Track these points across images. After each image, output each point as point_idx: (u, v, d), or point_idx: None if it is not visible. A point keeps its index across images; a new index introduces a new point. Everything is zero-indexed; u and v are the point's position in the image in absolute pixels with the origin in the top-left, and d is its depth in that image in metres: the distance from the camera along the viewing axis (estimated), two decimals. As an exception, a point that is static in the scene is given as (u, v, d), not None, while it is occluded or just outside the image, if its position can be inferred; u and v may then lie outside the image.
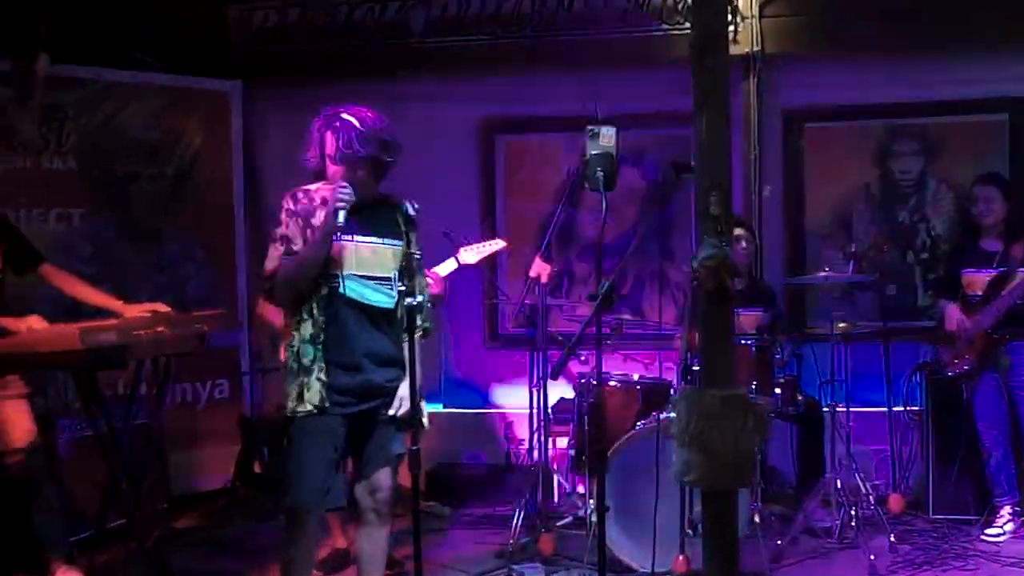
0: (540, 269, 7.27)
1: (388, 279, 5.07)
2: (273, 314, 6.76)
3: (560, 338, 7.74)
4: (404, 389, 5.07)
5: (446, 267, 7.08)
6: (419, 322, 5.01)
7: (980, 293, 7.37)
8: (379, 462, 5.15)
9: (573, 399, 7.51)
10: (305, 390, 4.91)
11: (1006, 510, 7.34)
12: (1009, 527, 7.28)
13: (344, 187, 4.84)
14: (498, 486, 8.55)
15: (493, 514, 8.13)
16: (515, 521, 7.16)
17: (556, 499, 8.08)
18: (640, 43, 8.58)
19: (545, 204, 9.10)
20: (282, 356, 5.10)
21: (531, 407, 7.68)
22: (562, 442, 7.85)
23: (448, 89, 9.16)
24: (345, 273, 4.96)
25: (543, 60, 8.75)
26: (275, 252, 4.96)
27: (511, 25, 8.76)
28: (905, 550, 6.98)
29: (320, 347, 4.93)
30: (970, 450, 7.44)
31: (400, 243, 5.09)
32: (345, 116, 4.94)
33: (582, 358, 7.25)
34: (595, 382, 5.42)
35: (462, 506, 8.39)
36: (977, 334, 7.30)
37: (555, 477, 7.96)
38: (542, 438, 7.37)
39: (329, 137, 4.95)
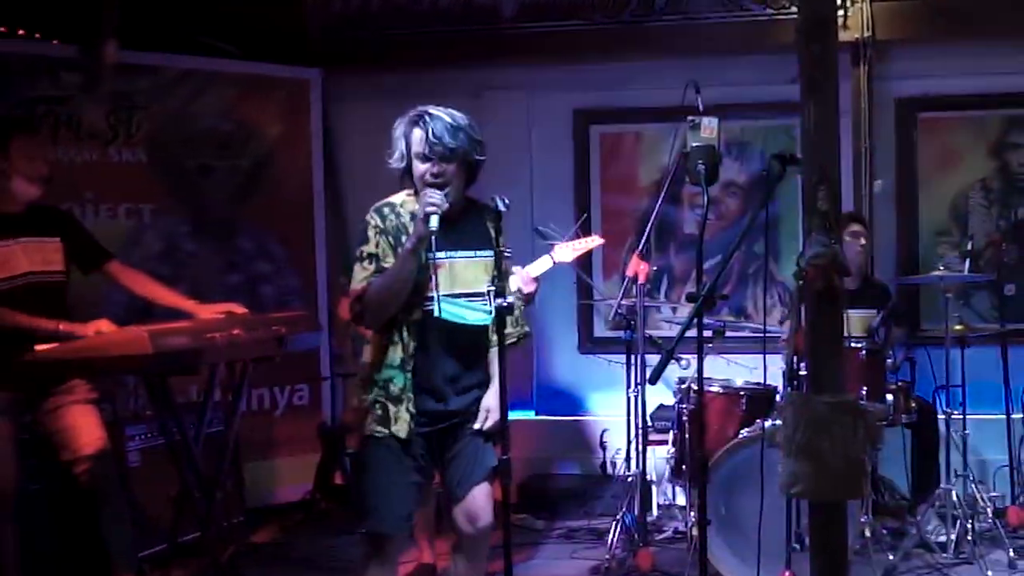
0: (638, 268, 7.15)
1: (483, 295, 4.91)
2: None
3: (659, 341, 7.68)
4: (490, 398, 4.95)
5: (540, 266, 6.90)
6: (511, 327, 4.91)
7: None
8: (473, 480, 4.99)
9: (672, 406, 7.41)
10: (393, 420, 4.78)
11: None
12: None
13: (434, 192, 4.69)
14: (594, 498, 8.42)
15: (588, 527, 8.05)
16: (612, 535, 7.08)
17: (655, 511, 8.03)
18: (744, 28, 8.51)
19: (643, 199, 9.06)
20: (366, 356, 4.97)
21: (628, 414, 7.55)
22: (661, 451, 7.71)
23: (541, 77, 9.13)
24: (441, 294, 4.78)
25: (641, 46, 8.68)
26: (363, 272, 4.80)
27: (608, 9, 8.68)
28: (1025, 566, 6.85)
29: (409, 374, 4.80)
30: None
31: (492, 253, 4.93)
32: (433, 110, 4.81)
33: (682, 362, 7.12)
34: (696, 388, 5.34)
35: (556, 519, 8.33)
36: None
37: (654, 488, 7.89)
38: (640, 447, 7.26)
39: (416, 133, 4.80)
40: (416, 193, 4.79)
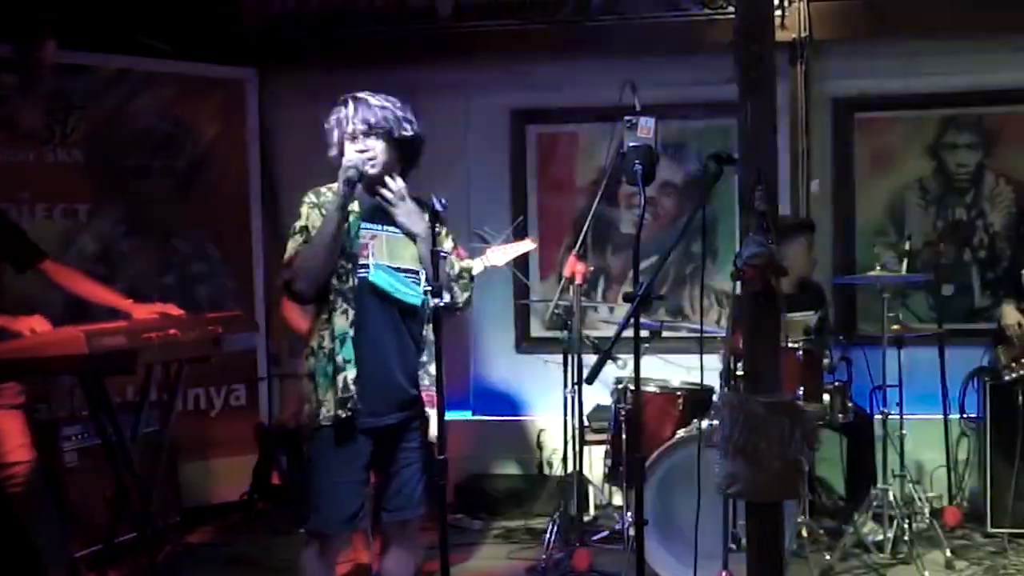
0: (574, 268, 7.21)
1: (416, 273, 4.99)
2: (297, 319, 6.74)
3: (596, 341, 7.76)
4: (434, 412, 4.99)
5: (473, 269, 6.99)
6: (457, 295, 5.03)
7: (1045, 295, 7.31)
8: (409, 498, 5.05)
9: (609, 406, 7.42)
10: (335, 394, 4.78)
11: (1071, 524, 7.27)
12: (1074, 541, 7.22)
13: (355, 153, 4.84)
14: (530, 498, 8.52)
15: (525, 528, 8.13)
16: (548, 535, 7.14)
17: (592, 512, 8.08)
18: (681, 28, 8.53)
19: (580, 199, 9.10)
20: (305, 361, 4.99)
21: (565, 414, 7.62)
22: (598, 451, 7.77)
23: (477, 77, 9.15)
24: (374, 262, 4.88)
25: (578, 46, 8.71)
26: (294, 243, 4.86)
27: (544, 8, 8.71)
28: (962, 566, 6.93)
29: (352, 345, 4.82)
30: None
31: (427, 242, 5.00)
32: (358, 94, 4.92)
33: (619, 362, 7.20)
34: (633, 388, 5.39)
35: (492, 519, 8.38)
36: (1037, 338, 7.24)
37: (591, 488, 7.93)
38: (576, 447, 7.30)
39: (342, 113, 4.91)
40: None
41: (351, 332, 4.82)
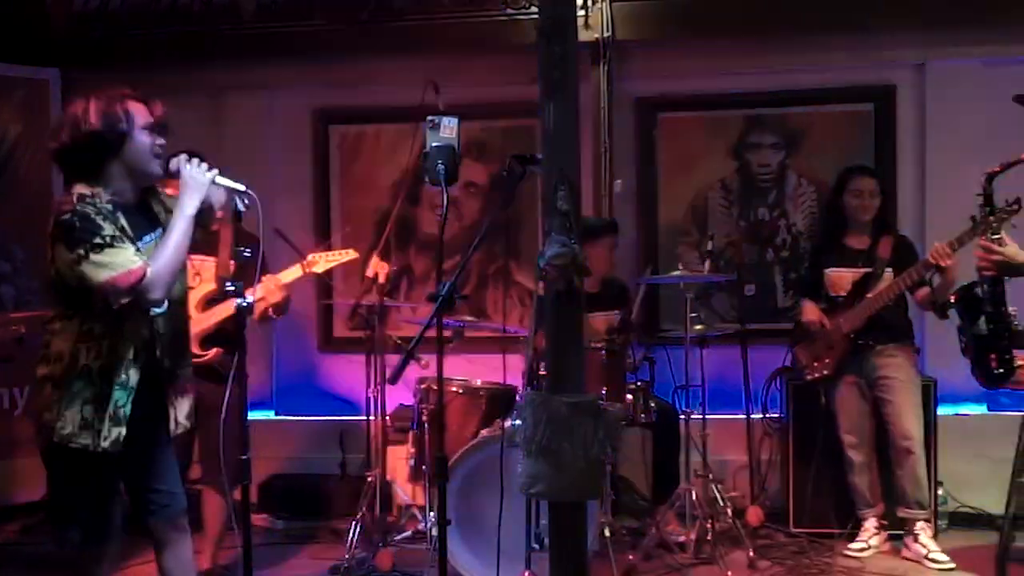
0: (377, 268, 7.27)
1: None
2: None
3: (399, 341, 7.81)
4: (184, 406, 5.04)
5: (290, 274, 6.94)
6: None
7: (844, 294, 7.50)
8: (170, 478, 5.07)
9: (413, 405, 7.49)
10: (105, 423, 4.67)
11: (870, 523, 7.49)
12: (874, 541, 7.44)
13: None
14: (333, 498, 8.55)
15: (328, 528, 8.19)
16: (351, 535, 7.16)
17: (395, 512, 8.13)
18: (484, 28, 8.61)
19: (383, 199, 9.13)
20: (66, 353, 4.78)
21: (368, 414, 7.69)
22: (401, 451, 7.82)
23: (279, 76, 9.18)
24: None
25: (381, 46, 8.74)
26: (124, 252, 4.58)
27: (347, 9, 8.73)
28: (764, 565, 7.10)
29: (136, 372, 4.75)
30: (832, 459, 7.57)
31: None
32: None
33: (422, 362, 7.25)
34: (436, 387, 5.44)
35: (295, 519, 8.41)
36: (837, 337, 7.45)
37: (394, 488, 8.00)
38: (380, 447, 7.39)
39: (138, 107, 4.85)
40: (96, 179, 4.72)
41: (139, 356, 4.78)
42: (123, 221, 4.66)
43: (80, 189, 4.66)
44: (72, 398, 4.67)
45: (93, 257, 4.53)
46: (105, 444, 4.67)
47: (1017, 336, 5.86)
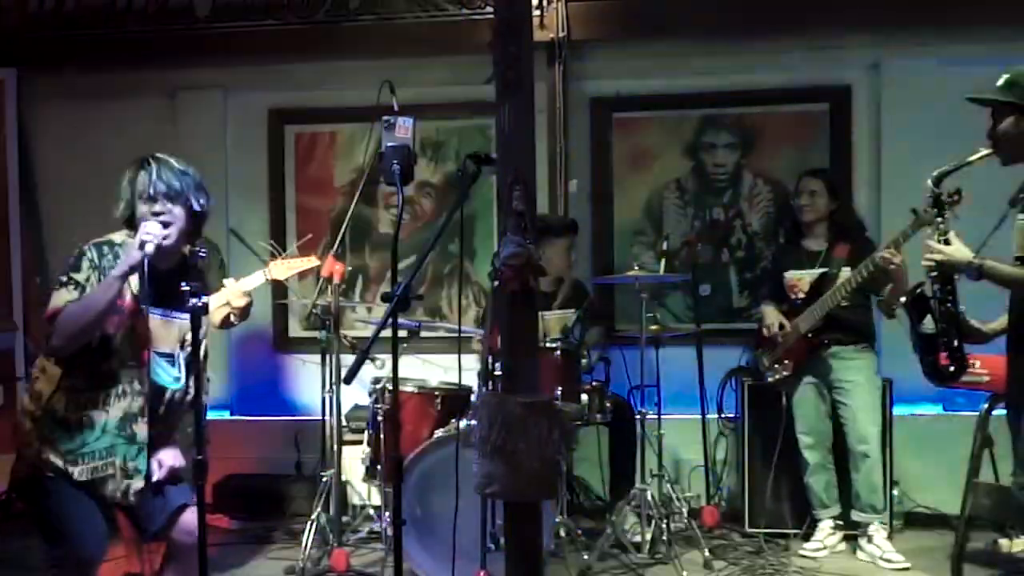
0: (332, 268, 7.27)
1: (172, 355, 5.01)
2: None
3: (354, 341, 7.84)
4: (166, 452, 5.04)
5: (252, 280, 6.95)
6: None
7: (802, 296, 7.56)
8: (166, 508, 5.05)
9: (368, 406, 7.48)
10: (79, 464, 4.77)
11: (826, 524, 7.54)
12: (830, 541, 7.49)
13: (155, 224, 4.70)
14: (289, 498, 8.57)
15: (284, 528, 8.21)
16: (307, 535, 7.15)
17: (350, 512, 8.16)
18: (439, 28, 8.64)
19: (338, 199, 9.18)
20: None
21: (323, 414, 7.70)
22: (356, 451, 7.81)
23: (235, 76, 9.20)
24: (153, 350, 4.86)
25: (336, 46, 8.78)
26: (65, 295, 4.67)
27: (302, 9, 8.77)
28: (720, 566, 7.12)
29: (123, 442, 4.84)
30: (788, 460, 7.61)
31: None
32: (159, 155, 4.87)
33: (377, 362, 7.28)
34: (391, 388, 5.45)
35: (251, 519, 8.41)
36: (796, 338, 7.50)
37: (349, 488, 8.04)
38: (335, 447, 7.36)
39: (141, 176, 4.78)
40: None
41: (124, 427, 4.84)
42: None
43: (113, 234, 4.84)
44: (47, 437, 4.79)
45: (53, 291, 4.69)
46: (81, 478, 4.77)
47: (968, 333, 5.88)
